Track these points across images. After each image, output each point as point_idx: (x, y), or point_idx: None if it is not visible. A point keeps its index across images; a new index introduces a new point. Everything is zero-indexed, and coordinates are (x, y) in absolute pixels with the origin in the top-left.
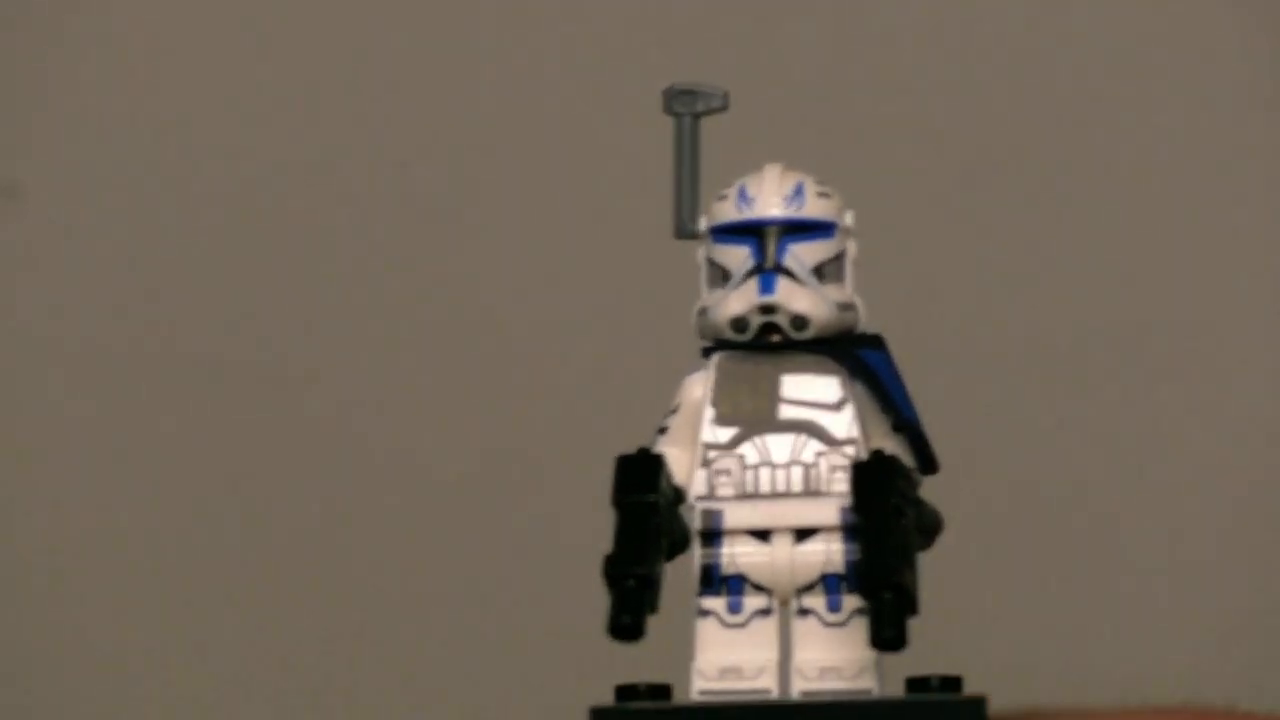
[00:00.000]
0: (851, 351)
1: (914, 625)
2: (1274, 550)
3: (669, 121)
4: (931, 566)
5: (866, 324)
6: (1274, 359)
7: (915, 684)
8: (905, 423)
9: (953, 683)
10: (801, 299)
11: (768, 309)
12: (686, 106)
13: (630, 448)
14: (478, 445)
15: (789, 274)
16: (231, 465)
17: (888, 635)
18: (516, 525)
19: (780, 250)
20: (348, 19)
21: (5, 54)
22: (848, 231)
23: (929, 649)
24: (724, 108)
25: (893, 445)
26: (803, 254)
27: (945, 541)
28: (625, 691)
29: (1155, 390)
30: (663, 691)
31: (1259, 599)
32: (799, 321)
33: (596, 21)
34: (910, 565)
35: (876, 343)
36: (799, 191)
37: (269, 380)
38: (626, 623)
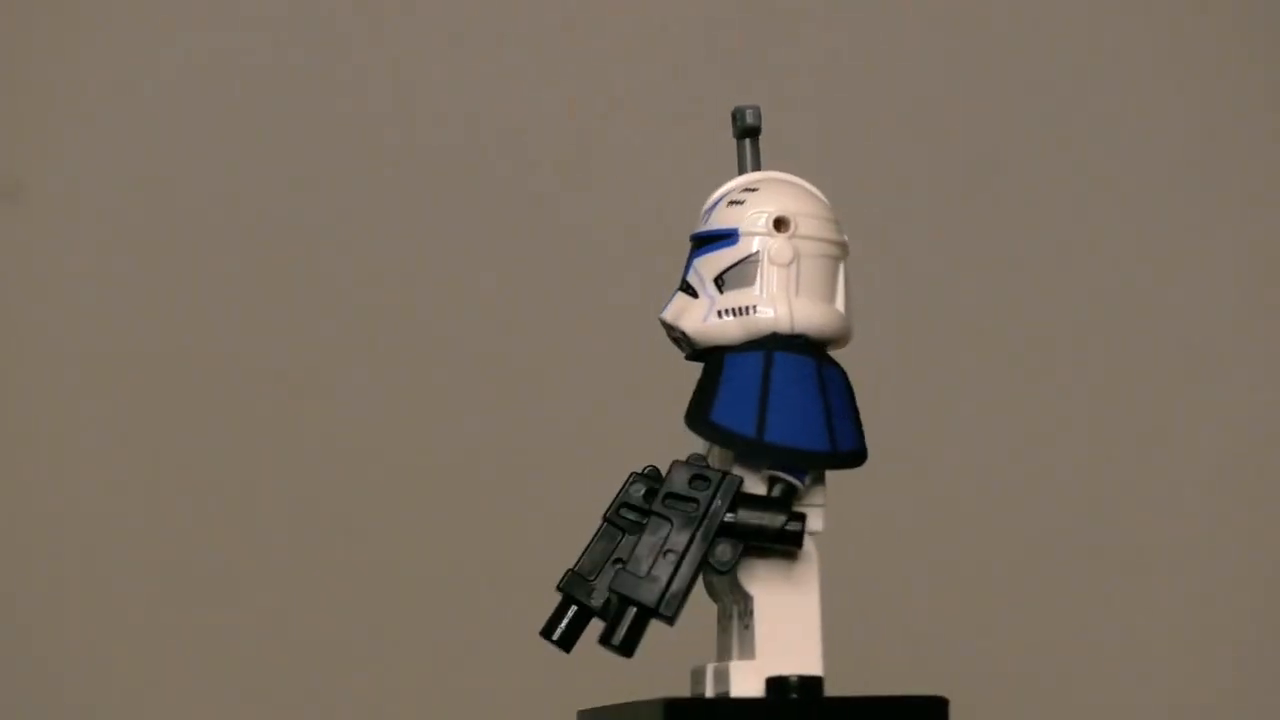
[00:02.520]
0: (711, 355)
1: (907, 630)
2: (1273, 551)
3: (693, 130)
4: (927, 569)
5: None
6: (1273, 359)
7: (775, 684)
8: (695, 422)
9: (812, 683)
10: (681, 315)
11: (669, 328)
12: (733, 128)
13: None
14: (493, 448)
15: (689, 288)
16: (231, 463)
17: (614, 641)
18: (528, 527)
19: (688, 266)
20: (351, 20)
21: (6, 54)
22: (758, 234)
23: (929, 650)
24: (755, 125)
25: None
26: (703, 267)
27: (945, 543)
28: None
29: (1153, 392)
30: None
31: (1258, 601)
32: (685, 335)
33: (615, 27)
34: (644, 576)
35: (776, 343)
36: (714, 204)
37: (268, 379)
38: (555, 637)
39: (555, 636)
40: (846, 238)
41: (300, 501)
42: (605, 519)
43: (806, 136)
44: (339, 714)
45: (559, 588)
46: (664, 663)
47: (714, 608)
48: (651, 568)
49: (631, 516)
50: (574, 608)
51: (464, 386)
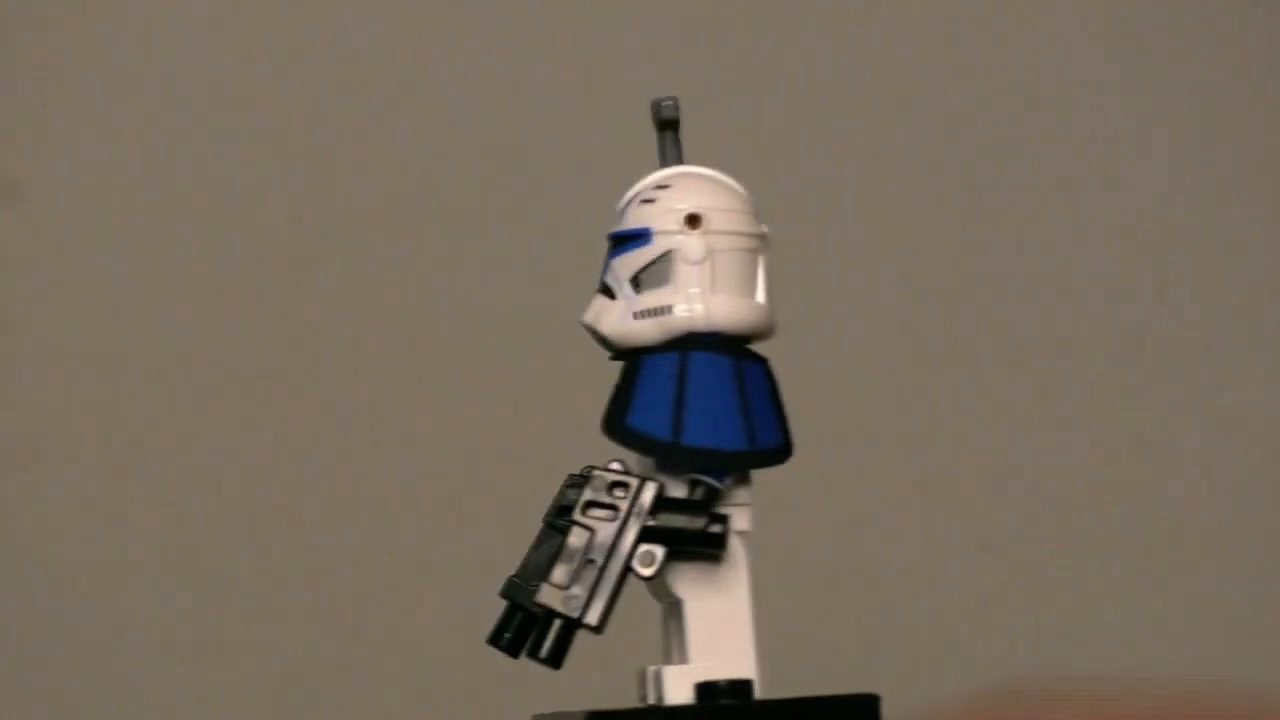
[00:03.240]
0: (626, 357)
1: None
2: (1273, 551)
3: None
4: (862, 565)
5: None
6: (1272, 359)
7: (705, 689)
8: (612, 429)
9: (742, 686)
10: (600, 317)
11: (590, 330)
12: (653, 120)
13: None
14: (460, 451)
15: (607, 289)
16: (232, 465)
17: (541, 654)
18: (483, 530)
19: (605, 267)
20: (350, 20)
21: (5, 54)
22: (671, 233)
23: (868, 648)
24: (673, 117)
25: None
26: (619, 267)
27: (879, 538)
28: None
29: (1151, 393)
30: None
31: (1256, 601)
32: (604, 338)
33: (590, 25)
34: (567, 587)
35: (694, 343)
36: (627, 203)
37: (269, 380)
38: (502, 644)
39: (502, 643)
40: (765, 229)
41: (292, 503)
42: (545, 523)
43: (808, 133)
44: (319, 715)
45: (502, 594)
46: (628, 664)
47: None
48: (574, 578)
49: (568, 520)
50: (520, 614)
51: (431, 387)
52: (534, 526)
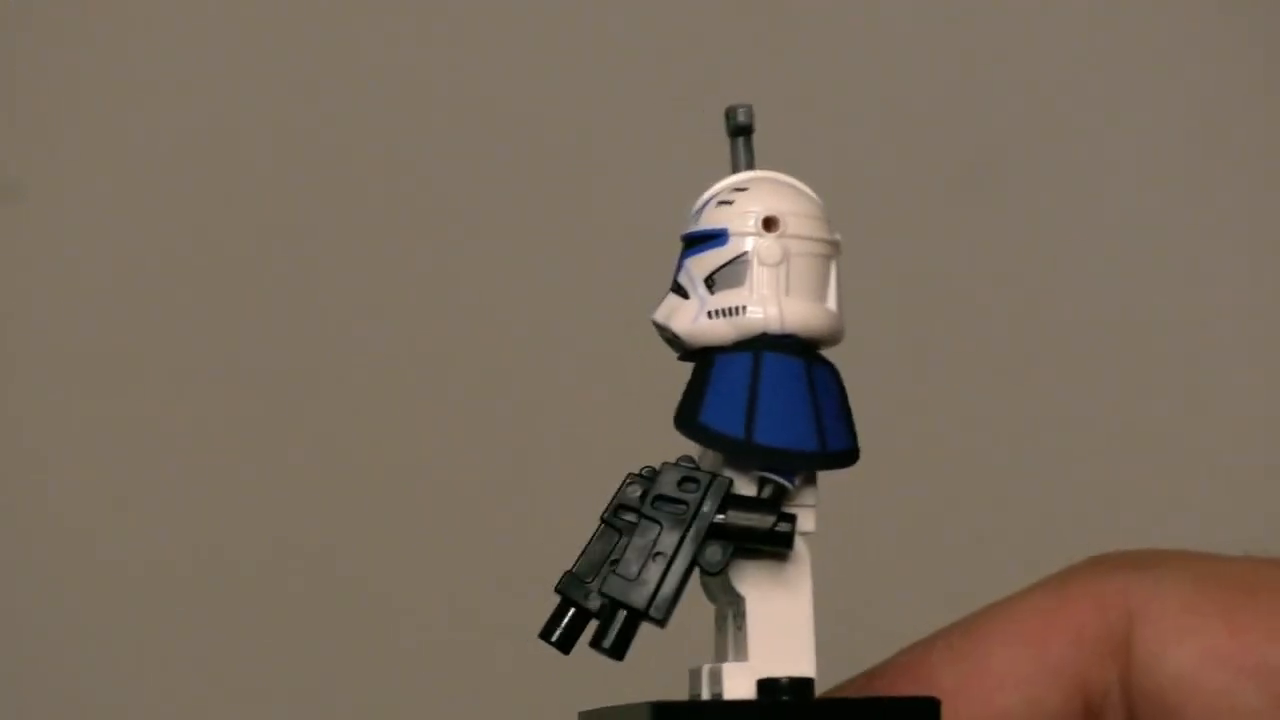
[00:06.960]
0: (702, 356)
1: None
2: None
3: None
4: (921, 568)
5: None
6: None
7: (766, 685)
8: (684, 424)
9: (803, 684)
10: (672, 316)
11: (661, 328)
12: (726, 126)
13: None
14: (494, 449)
15: (680, 289)
16: (231, 464)
17: (605, 644)
18: (530, 528)
19: (678, 267)
20: (351, 19)
21: (6, 54)
22: (747, 234)
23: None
24: (747, 124)
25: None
26: (694, 267)
27: (938, 543)
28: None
29: (1150, 394)
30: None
31: None
32: (676, 336)
33: (611, 26)
34: (634, 579)
35: (766, 344)
36: (704, 204)
37: (269, 379)
38: (554, 639)
39: (554, 638)
40: (838, 236)
41: (298, 503)
42: (603, 520)
43: (807, 133)
44: (340, 715)
45: (557, 590)
46: (672, 662)
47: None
48: (641, 570)
49: (628, 518)
50: (572, 609)
51: (464, 388)
52: (586, 524)
